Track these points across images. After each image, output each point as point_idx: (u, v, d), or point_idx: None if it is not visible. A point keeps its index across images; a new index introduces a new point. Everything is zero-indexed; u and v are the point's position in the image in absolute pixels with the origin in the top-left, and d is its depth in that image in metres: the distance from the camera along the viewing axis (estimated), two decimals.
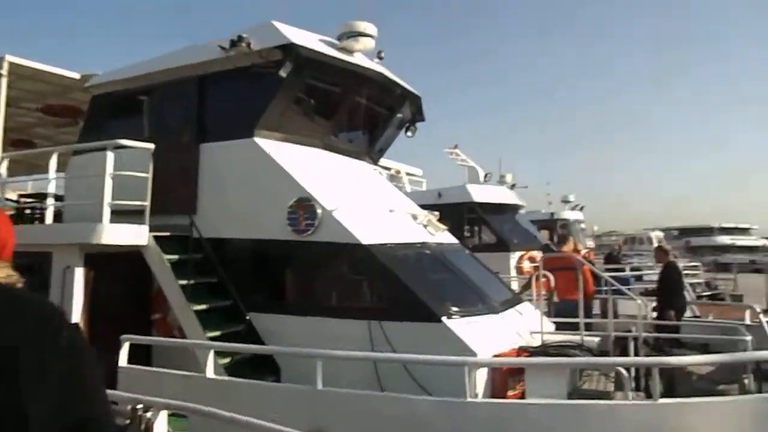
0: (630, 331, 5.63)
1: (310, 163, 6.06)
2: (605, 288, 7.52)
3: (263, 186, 5.75)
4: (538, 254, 12.09)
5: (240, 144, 5.83)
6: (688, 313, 9.79)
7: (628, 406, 3.34)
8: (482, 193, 12.11)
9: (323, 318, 5.18)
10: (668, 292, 7.13)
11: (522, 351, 4.95)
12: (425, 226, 6.30)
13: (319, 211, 5.29)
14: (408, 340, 4.74)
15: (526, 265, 11.62)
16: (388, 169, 13.31)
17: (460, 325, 4.77)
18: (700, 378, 5.19)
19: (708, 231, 62.00)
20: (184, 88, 6.22)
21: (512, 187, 14.40)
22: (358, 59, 6.20)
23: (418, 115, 7.65)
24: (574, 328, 6.20)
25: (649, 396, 4.32)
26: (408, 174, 14.59)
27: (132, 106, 6.80)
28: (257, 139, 5.77)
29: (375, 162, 7.69)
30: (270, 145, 5.81)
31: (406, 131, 7.73)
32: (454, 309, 4.93)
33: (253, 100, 5.89)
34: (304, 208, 5.37)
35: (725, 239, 60.38)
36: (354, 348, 4.63)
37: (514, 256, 11.56)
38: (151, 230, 5.59)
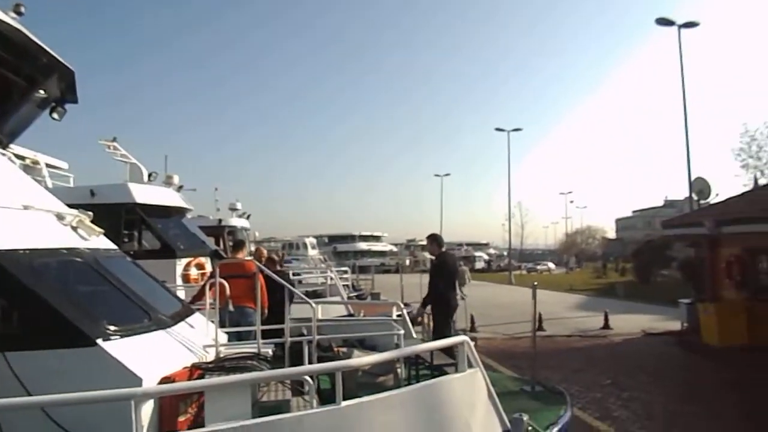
0: (303, 334, 5.69)
1: None
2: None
3: None
4: (206, 261, 11.58)
5: None
6: (344, 312, 10.79)
7: (316, 415, 3.23)
8: (145, 194, 10.86)
9: None
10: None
11: (195, 369, 4.43)
12: (75, 229, 5.15)
13: None
14: (49, 374, 3.70)
15: (194, 273, 10.96)
16: (23, 158, 10.82)
17: (120, 347, 3.96)
18: (363, 373, 5.57)
19: (351, 238, 72.18)
20: None
21: (179, 189, 13.47)
22: None
23: (68, 95, 6.31)
24: (252, 336, 5.99)
25: (325, 399, 4.44)
26: (49, 166, 12.17)
27: None
28: None
29: (4, 147, 6.02)
30: None
31: (51, 112, 6.29)
32: (112, 328, 4.07)
33: None
34: None
35: (363, 245, 71.21)
36: None
37: (181, 263, 10.75)
38: None
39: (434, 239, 8.56)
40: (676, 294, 21.64)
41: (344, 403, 3.27)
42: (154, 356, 4.29)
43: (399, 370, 5.73)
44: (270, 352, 5.24)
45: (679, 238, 16.53)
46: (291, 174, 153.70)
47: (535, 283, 7.77)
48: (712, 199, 15.61)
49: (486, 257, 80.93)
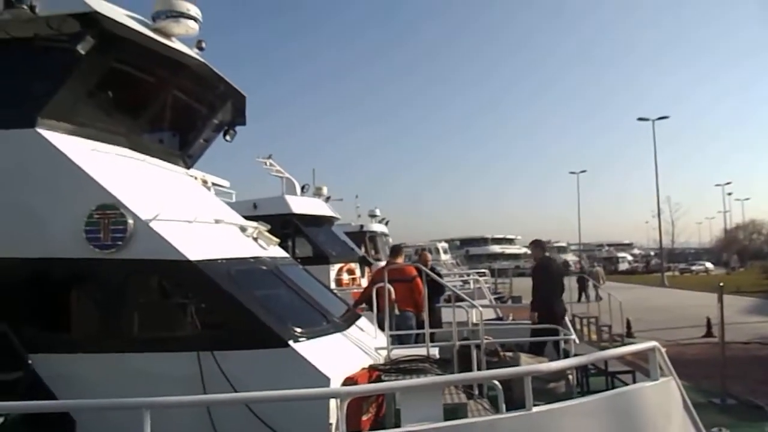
0: (467, 338, 5.67)
1: (113, 163, 4.96)
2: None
3: (49, 189, 4.51)
4: (356, 266, 12.08)
5: (16, 135, 4.50)
6: (492, 315, 10.62)
7: (507, 420, 3.17)
8: (301, 205, 11.68)
9: (137, 353, 4.19)
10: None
11: (372, 370, 4.61)
12: (255, 239, 5.63)
13: (130, 221, 4.29)
14: (247, 371, 4.06)
15: (345, 278, 11.49)
16: (195, 178, 12.10)
17: (308, 348, 4.23)
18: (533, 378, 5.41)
19: (483, 241, 71.12)
20: None
21: (327, 199, 14.27)
22: (177, 45, 5.30)
23: (238, 118, 6.91)
24: (413, 338, 6.10)
25: (492, 402, 4.38)
26: (215, 185, 13.48)
27: None
28: (41, 130, 4.51)
29: (188, 167, 6.75)
30: (60, 139, 4.60)
31: (224, 135, 6.94)
32: (299, 330, 4.37)
33: (35, 80, 4.61)
34: (109, 217, 4.32)
35: (496, 248, 69.78)
36: (180, 388, 3.80)
37: (334, 269, 11.34)
38: None
39: (538, 244, 8.64)
40: None
41: (535, 409, 3.18)
42: (336, 357, 4.53)
43: (570, 377, 5.49)
44: (437, 355, 5.31)
45: None
46: (417, 179, 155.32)
47: (721, 284, 7.02)
48: None
49: (630, 258, 75.34)
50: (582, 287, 24.78)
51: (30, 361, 4.07)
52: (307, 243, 11.57)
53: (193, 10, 5.16)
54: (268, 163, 12.70)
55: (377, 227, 19.35)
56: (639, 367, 6.28)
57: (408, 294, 6.61)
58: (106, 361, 4.18)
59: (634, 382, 5.81)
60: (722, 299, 6.69)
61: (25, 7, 4.29)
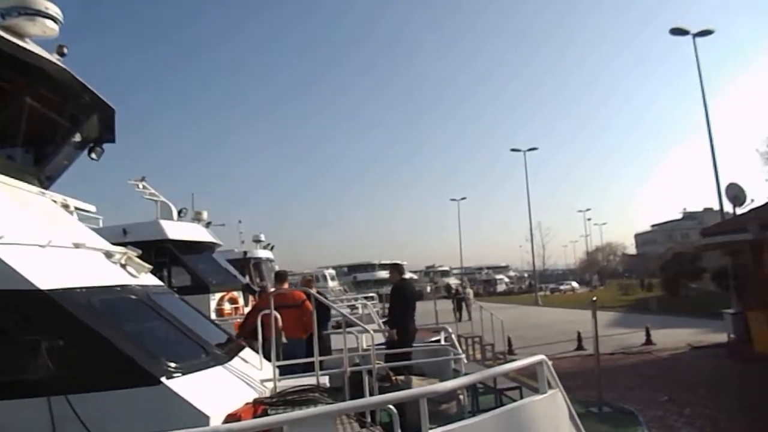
0: (358, 364, 5.48)
1: None
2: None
3: None
4: (238, 295, 11.45)
5: None
6: (382, 340, 10.53)
7: None
8: (177, 230, 10.84)
9: None
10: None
11: (258, 405, 4.25)
12: (124, 266, 5.06)
13: None
14: (112, 415, 3.54)
15: (227, 307, 10.84)
16: (54, 202, 10.87)
17: (184, 385, 3.79)
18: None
19: (371, 267, 71.69)
20: None
21: (208, 224, 13.45)
22: (32, 47, 4.68)
23: (106, 134, 6.28)
24: (301, 367, 5.80)
25: (386, 429, 4.21)
26: (78, 209, 12.21)
27: None
28: None
29: (45, 188, 5.98)
30: None
31: (89, 153, 6.28)
32: (174, 365, 3.91)
33: None
34: None
35: (383, 273, 70.60)
36: None
37: (215, 298, 10.63)
38: None
39: (395, 268, 9.09)
40: (712, 305, 21.02)
41: None
42: (217, 393, 4.12)
43: (461, 397, 5.48)
44: (327, 383, 5.05)
45: (718, 246, 16.04)
46: (304, 205, 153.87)
47: (594, 299, 7.50)
48: (748, 205, 15.21)
49: (507, 279, 80.00)
50: (458, 308, 28.05)
51: None
52: (185, 271, 10.76)
53: (52, 9, 4.60)
54: (140, 186, 11.73)
55: (262, 253, 18.66)
56: (524, 383, 6.48)
57: (296, 320, 6.31)
58: None
59: (522, 397, 5.96)
60: (596, 314, 7.16)
61: None
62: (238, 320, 9.38)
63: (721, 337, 14.74)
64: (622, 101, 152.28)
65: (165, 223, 10.84)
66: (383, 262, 73.13)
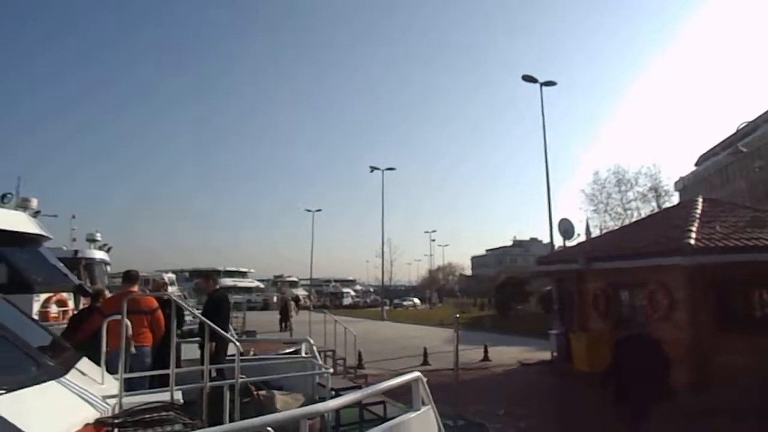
0: (216, 377, 5.04)
1: None
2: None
3: None
4: (68, 297, 10.07)
5: None
6: (232, 351, 9.95)
7: None
8: None
9: None
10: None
11: (100, 426, 3.66)
12: None
13: None
14: None
15: (54, 310, 9.44)
16: None
17: (9, 404, 3.12)
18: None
19: (216, 273, 68.15)
20: None
21: (36, 214, 11.64)
22: None
23: None
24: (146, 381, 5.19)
25: None
26: None
27: None
28: None
29: None
30: None
31: None
32: None
33: None
34: None
35: (228, 281, 67.72)
36: None
37: (39, 299, 9.19)
38: None
39: (210, 276, 8.85)
40: (536, 326, 23.32)
41: None
42: (50, 412, 3.47)
43: (325, 414, 5.29)
44: (181, 399, 4.54)
45: (549, 273, 17.85)
46: (158, 206, 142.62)
47: (457, 315, 7.77)
48: (575, 239, 17.15)
49: (353, 293, 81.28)
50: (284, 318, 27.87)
51: None
52: (3, 266, 9.16)
53: None
54: None
55: (97, 254, 16.79)
56: (385, 399, 6.47)
57: (145, 327, 5.65)
58: None
59: (385, 412, 5.94)
60: (458, 331, 7.40)
61: None
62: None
63: (546, 355, 16.33)
64: (484, 135, 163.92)
65: None
66: (228, 268, 70.26)
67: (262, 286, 74.80)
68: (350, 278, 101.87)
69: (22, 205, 11.13)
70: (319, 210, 67.48)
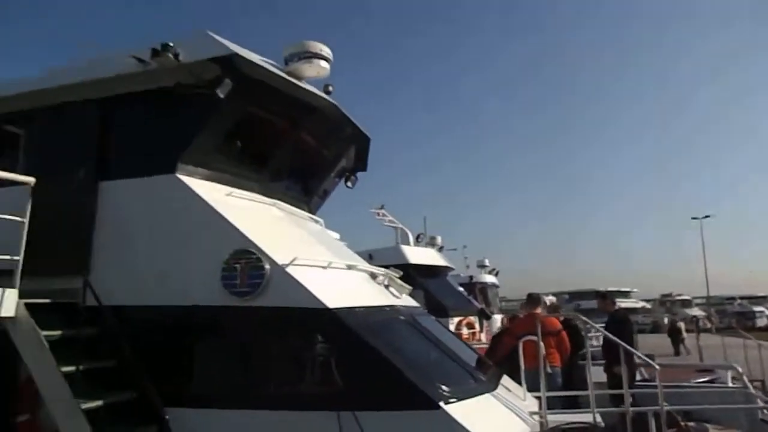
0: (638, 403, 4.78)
1: (247, 208, 4.82)
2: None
3: (187, 235, 4.41)
4: (475, 319, 11.33)
5: (156, 181, 4.49)
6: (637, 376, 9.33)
7: None
8: (417, 255, 11.28)
9: (273, 411, 3.84)
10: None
11: None
12: (387, 286, 5.21)
13: (266, 266, 4.04)
14: None
15: (465, 332, 10.77)
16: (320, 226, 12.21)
17: (461, 411, 3.65)
18: None
19: (595, 294, 66.19)
20: (80, 112, 4.82)
21: (441, 249, 13.77)
22: (309, 87, 5.17)
23: (359, 163, 6.65)
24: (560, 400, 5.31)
25: None
26: None
27: (6, 136, 5.23)
28: (181, 176, 4.47)
29: (312, 213, 6.54)
30: (198, 185, 4.53)
31: (346, 181, 6.69)
32: (448, 390, 3.80)
33: (176, 126, 4.60)
34: (246, 263, 4.10)
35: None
36: None
37: (453, 322, 10.67)
38: (22, 296, 3.99)
39: (607, 296, 7.74)
40: None
41: None
42: (491, 422, 3.90)
43: None
44: (601, 422, 4.47)
45: None
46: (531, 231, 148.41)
47: None
48: None
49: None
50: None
51: (166, 416, 3.83)
52: (423, 295, 11.04)
53: (326, 51, 5.04)
54: (380, 213, 12.51)
55: (488, 278, 18.44)
56: None
57: (553, 348, 5.86)
58: (240, 418, 3.86)
59: None
60: None
61: (170, 55, 4.33)
62: (477, 346, 9.19)
63: None
64: None
65: (406, 248, 11.36)
66: (610, 289, 66.92)
67: (648, 306, 68.82)
68: (761, 294, 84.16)
69: (431, 243, 13.33)
70: (708, 216, 58.26)
